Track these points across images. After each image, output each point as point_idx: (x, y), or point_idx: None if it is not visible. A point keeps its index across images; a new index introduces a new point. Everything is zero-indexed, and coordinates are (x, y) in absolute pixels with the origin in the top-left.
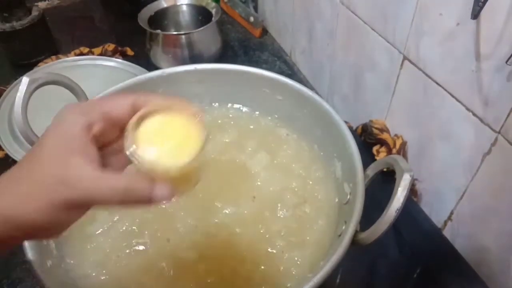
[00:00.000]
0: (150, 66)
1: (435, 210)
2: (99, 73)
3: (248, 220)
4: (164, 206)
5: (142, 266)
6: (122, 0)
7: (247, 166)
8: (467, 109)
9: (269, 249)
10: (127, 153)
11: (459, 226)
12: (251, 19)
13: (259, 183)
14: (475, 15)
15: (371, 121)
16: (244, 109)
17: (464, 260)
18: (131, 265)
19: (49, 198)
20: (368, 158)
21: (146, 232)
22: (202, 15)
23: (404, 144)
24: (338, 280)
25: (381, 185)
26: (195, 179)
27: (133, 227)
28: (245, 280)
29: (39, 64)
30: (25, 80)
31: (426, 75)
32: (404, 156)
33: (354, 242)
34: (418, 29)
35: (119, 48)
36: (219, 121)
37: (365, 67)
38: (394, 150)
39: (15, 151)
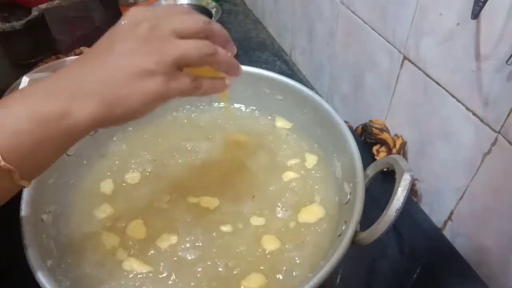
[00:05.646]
0: None
1: (435, 210)
2: None
3: (247, 220)
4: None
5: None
6: None
7: (246, 166)
8: (467, 109)
9: (269, 249)
10: None
11: (459, 226)
12: None
13: (258, 182)
14: (475, 15)
15: (371, 121)
16: (244, 109)
17: (464, 260)
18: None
19: None
20: (368, 158)
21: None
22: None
23: (404, 144)
24: (338, 280)
25: (381, 185)
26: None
27: None
28: (244, 280)
29: (39, 64)
30: (25, 80)
31: (426, 75)
32: (404, 156)
33: (354, 242)
34: (418, 29)
35: None
36: (219, 121)
37: (365, 67)
38: (394, 150)
39: None
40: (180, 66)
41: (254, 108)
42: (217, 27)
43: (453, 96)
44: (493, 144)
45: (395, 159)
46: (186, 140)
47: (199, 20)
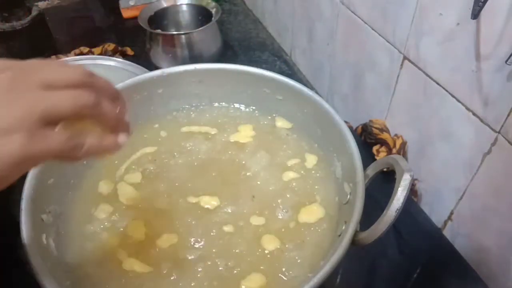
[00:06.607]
0: (150, 66)
1: (435, 210)
2: (99, 72)
3: (247, 220)
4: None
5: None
6: None
7: (246, 166)
8: (467, 109)
9: (269, 249)
10: None
11: (459, 226)
12: None
13: (258, 182)
14: (475, 15)
15: (371, 121)
16: (244, 109)
17: (464, 260)
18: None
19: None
20: (368, 158)
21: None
22: (202, 15)
23: (404, 144)
24: (338, 280)
25: (381, 185)
26: None
27: None
28: (245, 280)
29: None
30: None
31: (426, 75)
32: (404, 156)
33: (354, 242)
34: (418, 29)
35: (119, 48)
36: (219, 121)
37: (365, 67)
38: (394, 150)
39: None
40: (50, 121)
41: (254, 108)
42: (102, 80)
43: (453, 96)
44: (493, 144)
45: (395, 159)
46: (186, 140)
47: (78, 71)
